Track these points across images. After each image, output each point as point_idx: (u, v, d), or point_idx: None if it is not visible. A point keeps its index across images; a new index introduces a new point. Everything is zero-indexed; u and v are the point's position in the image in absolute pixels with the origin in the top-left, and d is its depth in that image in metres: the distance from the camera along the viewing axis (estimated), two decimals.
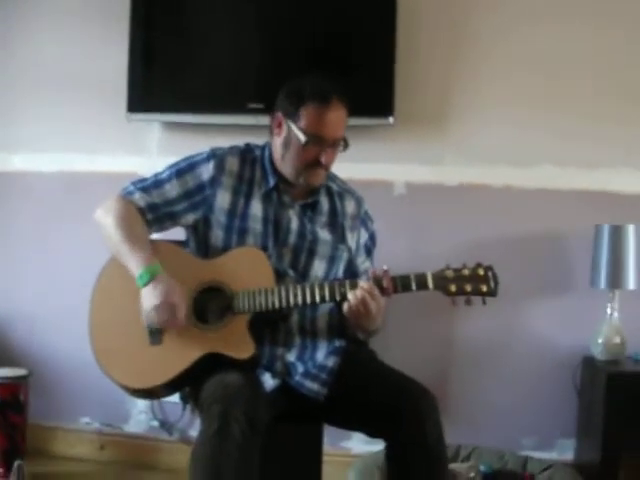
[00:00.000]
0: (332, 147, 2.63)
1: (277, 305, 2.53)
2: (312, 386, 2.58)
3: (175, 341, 2.55)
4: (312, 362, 2.62)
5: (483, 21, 3.71)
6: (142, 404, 3.96)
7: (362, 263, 2.80)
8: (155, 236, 2.70)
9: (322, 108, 2.58)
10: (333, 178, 2.81)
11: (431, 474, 2.45)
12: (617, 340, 3.48)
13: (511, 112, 3.69)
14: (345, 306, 2.51)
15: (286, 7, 3.73)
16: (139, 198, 2.65)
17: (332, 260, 2.72)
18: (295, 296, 2.53)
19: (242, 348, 2.51)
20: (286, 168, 2.66)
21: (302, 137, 2.58)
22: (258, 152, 2.75)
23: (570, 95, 3.66)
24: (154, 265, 2.54)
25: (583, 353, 3.59)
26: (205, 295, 2.58)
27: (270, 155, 2.72)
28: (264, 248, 2.63)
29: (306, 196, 2.73)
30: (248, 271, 2.57)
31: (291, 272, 2.65)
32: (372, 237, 2.85)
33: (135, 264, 2.54)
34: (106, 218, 2.63)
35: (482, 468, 3.47)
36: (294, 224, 2.69)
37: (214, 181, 2.65)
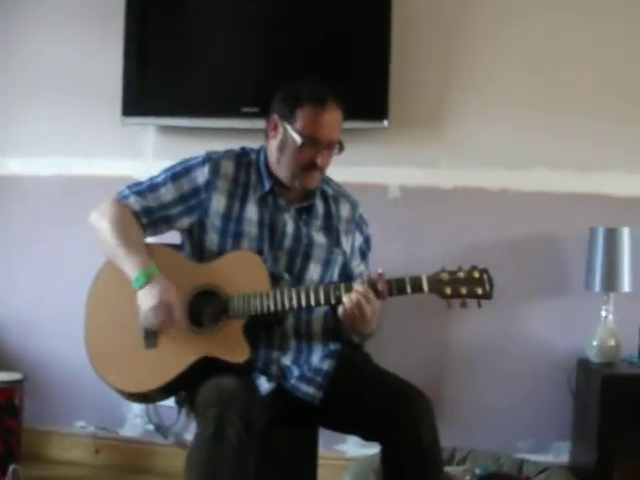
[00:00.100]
0: (328, 149, 2.63)
1: (272, 309, 2.54)
2: (307, 389, 2.58)
3: (170, 345, 2.55)
4: (307, 365, 2.63)
5: (477, 23, 3.71)
6: (137, 408, 3.95)
7: (357, 266, 2.80)
8: (150, 240, 2.70)
9: (318, 110, 2.58)
10: (328, 182, 2.82)
11: (426, 477, 2.45)
12: (612, 343, 3.48)
13: (506, 114, 3.69)
14: (340, 309, 2.51)
15: (282, 12, 3.73)
16: (134, 202, 2.65)
17: (327, 264, 2.72)
18: (290, 299, 2.53)
19: (237, 352, 2.51)
20: (282, 171, 2.66)
21: (298, 139, 2.59)
22: (253, 156, 2.75)
23: (566, 97, 3.66)
24: (150, 268, 2.54)
25: (578, 356, 3.59)
26: (200, 299, 2.58)
27: (265, 159, 2.72)
28: (259, 252, 2.63)
29: (301, 200, 2.73)
30: (243, 275, 2.57)
31: (286, 276, 2.65)
32: (367, 241, 2.86)
33: (131, 267, 2.54)
34: (101, 222, 2.63)
35: (477, 471, 3.47)
36: (289, 228, 2.69)
37: (209, 185, 2.65)
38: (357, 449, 3.76)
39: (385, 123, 3.63)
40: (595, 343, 3.49)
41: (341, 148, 2.66)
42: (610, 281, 3.45)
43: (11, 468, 3.48)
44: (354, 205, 2.83)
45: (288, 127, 2.61)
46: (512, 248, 3.70)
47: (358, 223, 2.82)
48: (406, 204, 3.76)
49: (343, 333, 2.68)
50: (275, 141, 2.67)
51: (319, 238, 2.72)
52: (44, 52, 4.04)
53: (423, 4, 3.74)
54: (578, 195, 3.66)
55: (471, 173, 3.73)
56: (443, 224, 3.73)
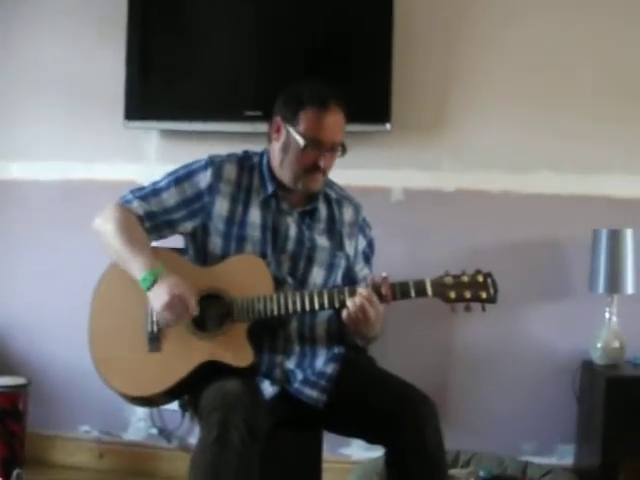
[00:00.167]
0: (330, 151, 2.63)
1: (276, 312, 2.53)
2: (311, 393, 2.57)
3: (174, 348, 2.55)
4: (311, 369, 2.62)
5: (478, 26, 3.71)
6: (141, 412, 3.95)
7: (361, 270, 2.80)
8: (153, 244, 2.70)
9: (321, 112, 2.58)
10: (331, 185, 2.81)
11: None
12: (616, 344, 3.47)
13: (508, 117, 3.69)
14: (344, 313, 2.51)
15: (285, 16, 3.74)
16: (137, 206, 2.65)
17: (330, 267, 2.72)
18: (294, 303, 2.53)
19: (241, 355, 2.51)
20: (284, 173, 2.66)
21: (301, 141, 2.59)
22: (256, 159, 2.75)
23: (567, 99, 3.66)
24: (156, 267, 2.54)
25: (582, 358, 3.59)
26: (204, 302, 2.57)
27: (268, 162, 2.72)
28: (263, 255, 2.63)
29: (304, 203, 2.73)
30: (247, 278, 2.57)
31: (290, 279, 2.65)
32: (370, 244, 2.85)
33: (137, 268, 2.54)
34: (105, 225, 2.63)
35: (482, 474, 3.47)
36: (292, 231, 2.69)
37: (212, 189, 2.65)
38: (361, 452, 3.76)
39: (388, 126, 3.63)
40: (599, 345, 3.48)
41: (344, 150, 2.66)
42: (613, 283, 3.45)
43: (15, 473, 3.48)
44: (357, 208, 2.82)
45: (291, 129, 2.61)
46: (515, 250, 3.70)
47: (361, 226, 2.82)
48: (409, 207, 3.76)
49: (347, 337, 2.68)
50: (278, 144, 2.66)
51: (322, 242, 2.72)
52: (44, 55, 4.05)
53: (423, 6, 3.74)
54: (581, 197, 3.65)
55: (473, 175, 3.73)
56: (446, 227, 3.73)
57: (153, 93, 3.84)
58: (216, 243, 2.66)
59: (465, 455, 3.59)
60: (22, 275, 4.11)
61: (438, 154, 3.75)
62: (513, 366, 3.71)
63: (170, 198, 2.66)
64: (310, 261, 2.69)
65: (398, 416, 2.43)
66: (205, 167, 2.67)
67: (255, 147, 2.82)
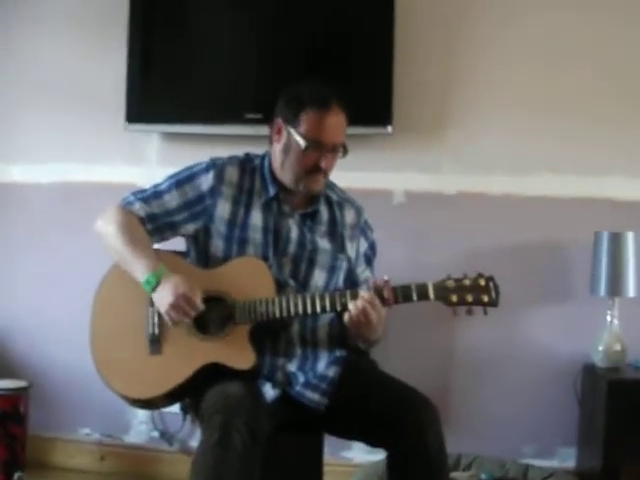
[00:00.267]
0: (332, 152, 2.63)
1: (278, 315, 2.53)
2: (313, 396, 2.57)
3: (176, 351, 2.55)
4: (313, 372, 2.62)
5: (479, 27, 3.71)
6: (142, 414, 3.95)
7: (362, 272, 2.79)
8: (155, 246, 2.70)
9: (322, 113, 2.58)
10: (332, 187, 2.81)
11: None
12: (617, 347, 3.47)
13: (510, 119, 3.69)
14: (346, 316, 2.50)
15: (286, 18, 3.74)
16: (139, 208, 2.65)
17: (332, 270, 2.72)
18: (296, 306, 2.53)
19: (243, 358, 2.51)
20: (286, 175, 2.66)
21: (302, 142, 2.58)
22: (258, 161, 2.75)
23: (569, 101, 3.65)
24: (159, 268, 2.54)
25: (583, 361, 3.59)
26: (206, 305, 2.57)
27: (270, 164, 2.71)
28: (264, 258, 2.63)
29: (306, 205, 2.72)
30: (249, 281, 2.57)
31: (292, 282, 2.65)
32: (372, 246, 2.85)
33: (140, 270, 2.54)
34: (107, 227, 2.63)
35: (483, 477, 3.47)
36: (294, 233, 2.68)
37: (214, 191, 2.65)
38: (363, 455, 3.75)
39: (389, 129, 3.63)
40: (601, 348, 3.48)
41: (345, 151, 2.66)
42: (615, 286, 3.45)
43: (16, 475, 3.49)
44: (359, 211, 2.82)
45: (292, 131, 2.61)
46: (516, 253, 3.70)
47: (363, 229, 2.81)
48: (411, 209, 3.76)
49: (349, 339, 2.67)
50: (279, 145, 2.66)
51: (323, 244, 2.71)
52: (45, 57, 4.05)
53: (424, 8, 3.74)
54: (582, 200, 3.65)
55: (475, 178, 3.73)
56: (448, 229, 3.73)
57: (154, 96, 3.84)
58: (218, 246, 2.65)
59: (466, 458, 3.58)
60: (23, 277, 4.11)
61: (439, 157, 3.75)
62: (514, 369, 3.70)
63: (172, 200, 2.66)
64: (312, 264, 2.68)
65: (400, 420, 2.43)
66: (207, 169, 2.67)
67: (256, 150, 2.82)
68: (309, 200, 2.73)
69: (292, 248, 2.68)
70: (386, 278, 2.53)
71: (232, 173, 2.69)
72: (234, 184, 2.68)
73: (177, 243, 2.78)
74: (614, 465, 3.31)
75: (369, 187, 3.68)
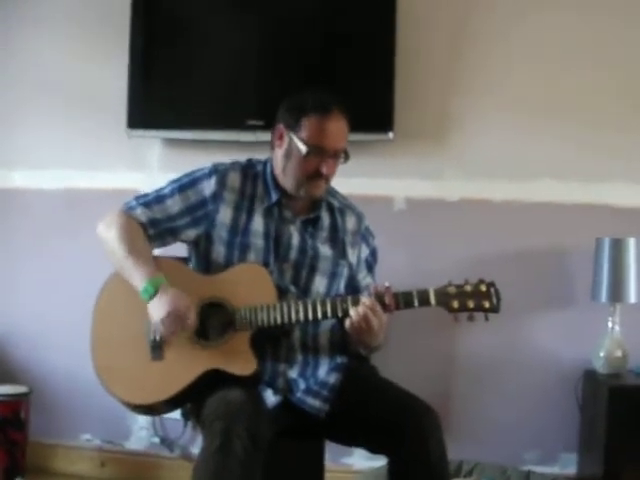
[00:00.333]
0: (333, 158, 2.63)
1: (279, 321, 2.53)
2: (314, 403, 2.57)
3: (177, 357, 2.54)
4: (314, 379, 2.62)
5: (480, 35, 3.72)
6: (143, 420, 3.95)
7: (363, 279, 2.79)
8: (156, 252, 2.70)
9: (323, 119, 2.58)
10: (334, 194, 2.81)
11: None
12: (619, 353, 3.47)
13: (511, 125, 3.69)
14: (347, 322, 2.50)
15: (287, 24, 3.74)
16: (141, 213, 2.65)
17: (333, 276, 2.72)
18: (297, 312, 2.53)
19: (244, 364, 2.50)
20: (287, 180, 2.66)
21: (303, 148, 2.59)
22: (260, 167, 2.75)
23: (570, 106, 3.66)
24: (158, 278, 2.53)
25: (585, 367, 3.59)
26: (207, 311, 2.57)
27: (272, 170, 2.71)
28: (265, 264, 2.63)
29: (307, 211, 2.73)
30: (250, 287, 2.57)
31: (293, 288, 2.65)
32: (373, 253, 2.85)
33: (139, 278, 2.54)
34: (108, 232, 2.63)
35: None
36: (295, 240, 2.68)
37: (216, 197, 2.65)
38: (363, 462, 3.75)
39: (390, 135, 3.63)
40: (602, 354, 3.48)
41: (346, 157, 2.66)
42: (616, 292, 3.45)
43: None
44: (360, 217, 2.82)
45: (293, 136, 2.61)
46: (518, 260, 3.70)
47: (364, 235, 2.81)
48: (412, 216, 3.76)
49: (350, 346, 2.67)
50: (281, 150, 2.66)
51: (325, 250, 2.71)
52: (47, 63, 4.06)
53: (426, 15, 3.74)
54: (583, 206, 3.65)
55: (476, 185, 3.73)
56: (449, 236, 3.73)
57: (156, 102, 3.84)
58: (219, 251, 2.65)
59: (468, 465, 3.58)
60: (24, 283, 4.11)
61: (441, 163, 3.75)
62: (516, 375, 3.70)
63: (174, 205, 2.66)
64: (313, 270, 2.68)
65: (401, 426, 2.43)
66: (209, 175, 2.67)
67: (257, 156, 2.82)
68: (311, 206, 2.73)
69: (293, 254, 2.68)
70: (387, 284, 2.53)
71: (234, 179, 2.69)
72: (236, 190, 2.68)
73: (179, 249, 2.79)
74: (615, 471, 3.30)
75: (370, 193, 3.69)
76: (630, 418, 3.30)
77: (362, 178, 3.64)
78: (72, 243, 3.96)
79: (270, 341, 2.61)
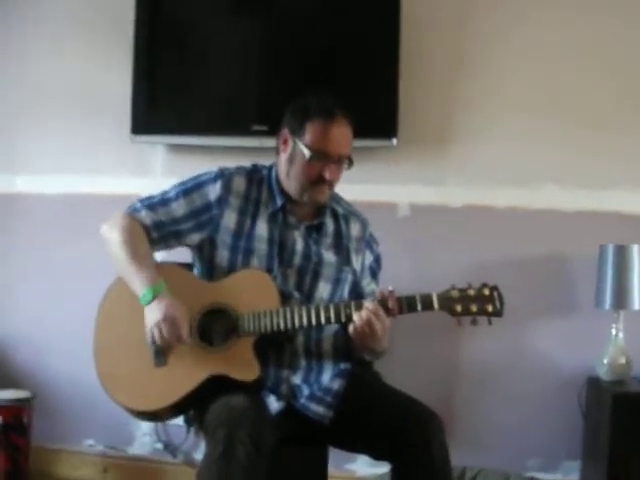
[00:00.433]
0: (337, 163, 2.62)
1: (282, 327, 2.53)
2: (317, 409, 2.57)
3: (180, 363, 2.54)
4: (317, 385, 2.62)
5: (484, 41, 3.71)
6: (146, 426, 3.94)
7: (367, 285, 2.79)
8: (160, 257, 2.70)
9: (327, 124, 2.59)
10: (338, 200, 2.81)
11: None
12: (622, 360, 3.46)
13: (514, 132, 3.68)
14: (351, 327, 2.50)
15: (289, 30, 3.75)
16: (145, 216, 2.66)
17: (337, 282, 2.72)
18: (300, 317, 2.53)
19: (247, 370, 2.50)
20: (291, 185, 2.66)
21: (307, 153, 2.59)
22: (265, 172, 2.75)
23: (573, 112, 3.65)
24: (158, 284, 2.53)
25: (588, 374, 3.57)
26: (210, 317, 2.57)
27: (277, 175, 2.72)
28: (269, 269, 2.63)
29: (312, 217, 2.73)
30: (253, 293, 2.57)
31: (296, 294, 2.65)
32: (377, 259, 2.85)
33: (139, 283, 2.54)
34: (111, 234, 2.63)
35: None
36: (299, 245, 2.68)
37: (221, 201, 2.65)
38: (367, 468, 3.74)
39: (394, 141, 3.63)
40: (605, 361, 3.47)
41: (350, 163, 2.65)
42: (620, 299, 3.43)
43: None
44: (364, 224, 2.82)
45: (297, 141, 2.62)
46: (521, 266, 3.69)
47: (368, 242, 2.82)
48: (415, 222, 3.75)
49: (354, 351, 2.67)
50: (285, 155, 2.67)
51: (329, 256, 2.71)
52: (49, 69, 4.06)
53: (429, 22, 3.74)
54: (587, 212, 3.64)
55: (479, 191, 3.72)
56: (453, 242, 3.72)
57: (159, 107, 3.85)
58: (223, 256, 2.65)
59: (471, 471, 3.57)
60: (27, 288, 4.11)
61: (444, 169, 3.74)
62: (519, 381, 3.69)
63: (179, 208, 2.66)
64: (316, 276, 2.68)
65: (405, 432, 2.43)
66: (215, 179, 2.67)
67: (261, 162, 2.82)
68: (315, 212, 2.73)
69: (297, 260, 2.67)
70: (390, 288, 2.52)
71: (240, 183, 2.69)
72: (241, 194, 2.68)
73: (184, 254, 2.78)
74: (618, 479, 3.29)
75: (374, 200, 3.68)
76: (634, 425, 3.28)
77: (366, 184, 3.64)
78: (74, 248, 3.96)
79: (273, 347, 2.61)
